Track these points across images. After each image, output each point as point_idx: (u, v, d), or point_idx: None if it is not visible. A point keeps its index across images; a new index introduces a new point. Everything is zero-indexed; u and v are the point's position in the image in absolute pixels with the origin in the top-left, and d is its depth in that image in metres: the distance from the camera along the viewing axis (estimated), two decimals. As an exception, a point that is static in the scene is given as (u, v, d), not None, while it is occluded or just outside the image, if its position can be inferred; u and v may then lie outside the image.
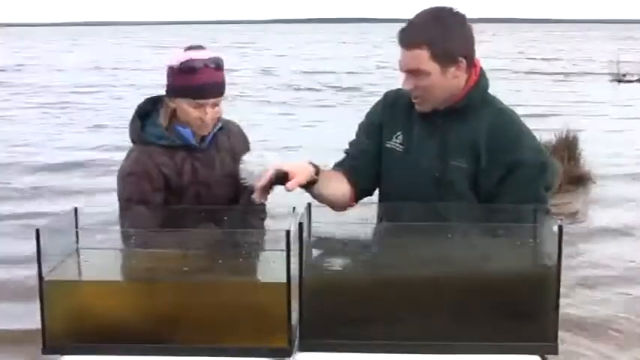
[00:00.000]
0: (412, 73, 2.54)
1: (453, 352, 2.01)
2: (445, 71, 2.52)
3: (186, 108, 2.75)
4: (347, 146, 2.81)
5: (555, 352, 2.02)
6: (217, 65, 2.75)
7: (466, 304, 2.04)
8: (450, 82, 2.54)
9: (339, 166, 2.76)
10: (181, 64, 2.72)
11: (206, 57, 2.74)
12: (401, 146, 2.66)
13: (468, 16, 2.62)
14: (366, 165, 2.72)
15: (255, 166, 2.62)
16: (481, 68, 2.63)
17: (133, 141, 2.85)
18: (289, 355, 2.04)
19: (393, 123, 2.70)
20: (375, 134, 2.73)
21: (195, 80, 2.71)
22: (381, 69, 28.09)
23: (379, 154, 2.71)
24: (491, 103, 2.64)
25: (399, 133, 2.68)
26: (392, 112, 2.71)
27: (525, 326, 2.03)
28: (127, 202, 2.75)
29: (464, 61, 2.53)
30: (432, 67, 2.50)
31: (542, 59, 36.20)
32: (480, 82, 2.61)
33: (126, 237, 2.47)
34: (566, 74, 27.84)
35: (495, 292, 2.04)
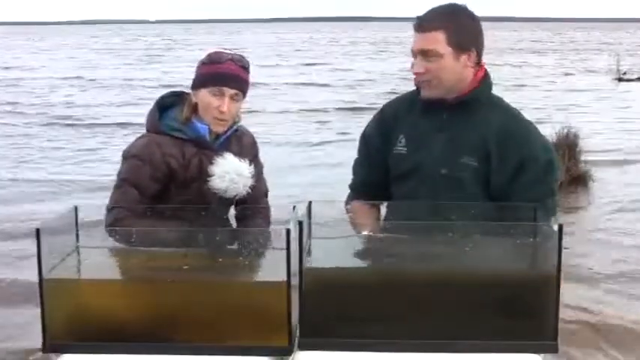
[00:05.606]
0: (425, 54, 2.60)
1: (452, 350, 2.01)
2: (458, 57, 2.60)
3: (208, 98, 2.79)
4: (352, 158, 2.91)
5: (555, 350, 2.02)
6: (242, 64, 2.82)
7: (466, 303, 2.03)
8: (461, 69, 2.62)
9: (356, 191, 2.87)
10: (209, 55, 2.82)
11: (233, 53, 2.84)
12: (404, 148, 2.70)
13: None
14: (381, 183, 2.78)
15: (225, 181, 2.73)
16: (486, 69, 2.71)
17: (147, 130, 2.89)
18: (289, 354, 2.03)
19: (396, 131, 2.74)
20: (375, 152, 2.80)
21: (218, 68, 2.78)
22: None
23: (386, 167, 2.76)
24: (497, 102, 2.72)
25: (401, 137, 2.71)
26: (393, 121, 2.76)
27: (525, 325, 2.03)
28: (121, 180, 2.80)
29: (475, 51, 2.63)
30: (446, 50, 2.59)
31: (540, 57, 36.11)
32: (486, 79, 2.69)
33: (111, 213, 2.64)
34: (568, 74, 27.79)
35: (495, 290, 2.04)
